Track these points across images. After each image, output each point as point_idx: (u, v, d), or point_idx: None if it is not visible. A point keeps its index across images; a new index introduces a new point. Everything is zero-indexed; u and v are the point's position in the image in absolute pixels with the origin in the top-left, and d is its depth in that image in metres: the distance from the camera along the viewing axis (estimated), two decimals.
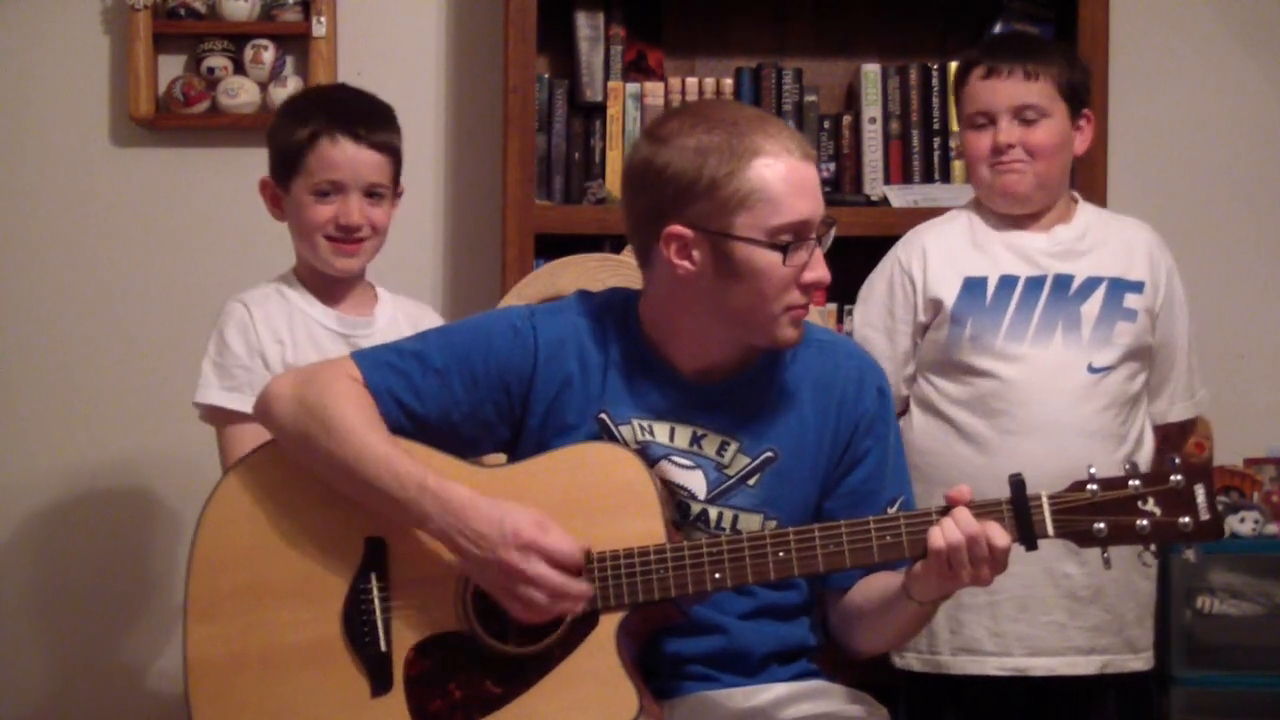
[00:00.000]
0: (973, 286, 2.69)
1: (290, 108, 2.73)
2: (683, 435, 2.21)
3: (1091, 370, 2.66)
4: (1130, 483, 2.02)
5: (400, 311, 2.71)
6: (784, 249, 2.10)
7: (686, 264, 2.14)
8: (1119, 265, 2.70)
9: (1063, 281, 2.68)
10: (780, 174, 2.10)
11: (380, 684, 2.11)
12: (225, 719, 2.15)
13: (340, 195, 2.59)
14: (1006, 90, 2.66)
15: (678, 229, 2.13)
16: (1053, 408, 2.63)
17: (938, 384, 2.71)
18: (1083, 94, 2.73)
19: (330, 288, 2.67)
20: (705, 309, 2.17)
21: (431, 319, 2.74)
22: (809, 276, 2.13)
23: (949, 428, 2.69)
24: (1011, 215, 2.72)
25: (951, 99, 3.30)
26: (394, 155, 2.65)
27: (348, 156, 2.59)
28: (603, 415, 2.21)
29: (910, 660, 2.71)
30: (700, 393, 2.22)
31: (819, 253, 2.14)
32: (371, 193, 2.61)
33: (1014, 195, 2.68)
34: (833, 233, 2.16)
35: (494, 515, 2.06)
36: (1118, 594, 2.67)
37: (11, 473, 3.48)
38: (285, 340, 2.61)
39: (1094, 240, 2.72)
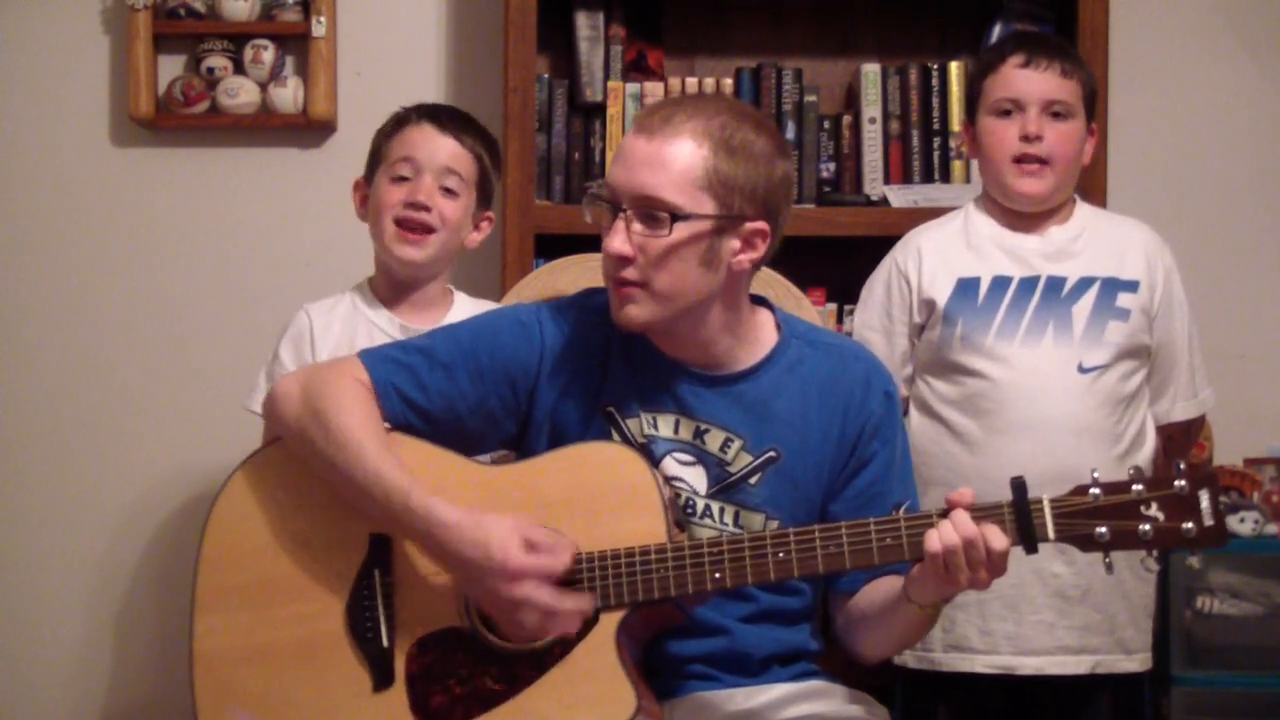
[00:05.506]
0: (965, 287, 2.70)
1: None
2: (686, 429, 2.22)
3: (1082, 370, 2.65)
4: (1133, 487, 2.01)
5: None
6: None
7: None
8: (1113, 265, 2.71)
9: (1055, 283, 2.68)
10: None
11: (382, 679, 2.12)
12: (229, 712, 2.16)
13: (416, 179, 2.62)
14: (1042, 82, 2.67)
15: None
16: (1041, 407, 2.63)
17: (932, 384, 2.72)
18: (1094, 106, 2.75)
19: (403, 292, 2.68)
20: None
21: None
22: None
23: (942, 427, 2.69)
24: (1015, 214, 2.72)
25: (952, 99, 3.31)
26: (476, 157, 2.67)
27: (425, 138, 2.64)
28: (609, 409, 2.21)
29: (906, 657, 2.71)
30: (705, 388, 2.22)
31: (617, 224, 2.13)
32: (447, 187, 2.63)
33: (1033, 196, 2.69)
34: (660, 221, 2.11)
35: (479, 539, 2.04)
36: (1108, 594, 2.66)
37: (12, 469, 3.48)
38: (344, 350, 2.60)
39: (1088, 240, 2.72)
